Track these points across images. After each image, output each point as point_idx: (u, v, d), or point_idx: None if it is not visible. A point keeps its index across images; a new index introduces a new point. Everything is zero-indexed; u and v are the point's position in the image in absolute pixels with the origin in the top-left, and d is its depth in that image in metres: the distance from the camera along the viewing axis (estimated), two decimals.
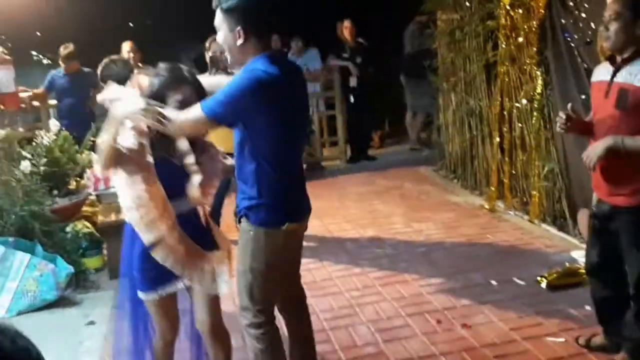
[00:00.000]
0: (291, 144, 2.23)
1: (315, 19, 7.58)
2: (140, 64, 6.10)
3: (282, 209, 2.23)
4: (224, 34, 2.13)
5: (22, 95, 5.90)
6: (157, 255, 2.17)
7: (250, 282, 2.28)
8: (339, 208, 5.46)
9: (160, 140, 2.17)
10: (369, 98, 7.16)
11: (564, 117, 2.55)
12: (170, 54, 9.55)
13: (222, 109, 2.05)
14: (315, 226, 5.04)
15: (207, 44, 4.56)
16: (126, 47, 6.01)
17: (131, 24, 8.72)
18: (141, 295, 2.33)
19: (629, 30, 2.33)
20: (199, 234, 2.30)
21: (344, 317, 3.35)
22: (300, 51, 7.03)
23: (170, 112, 2.10)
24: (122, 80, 3.65)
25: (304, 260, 4.18)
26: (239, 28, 2.08)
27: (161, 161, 2.17)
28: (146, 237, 2.16)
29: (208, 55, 4.55)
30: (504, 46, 4.48)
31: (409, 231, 4.67)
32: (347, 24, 7.05)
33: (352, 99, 7.15)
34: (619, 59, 2.41)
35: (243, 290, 2.31)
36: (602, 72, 2.52)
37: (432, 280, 3.72)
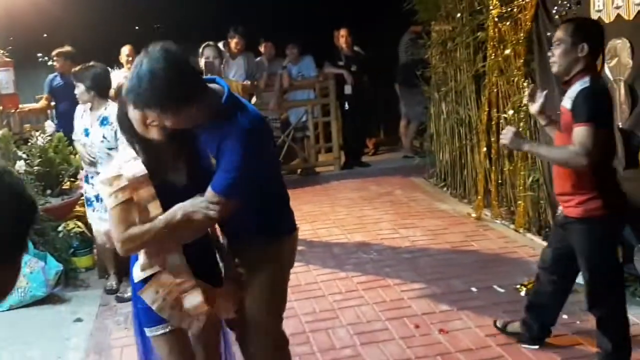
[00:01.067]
0: None
1: (312, 27, 7.69)
2: None
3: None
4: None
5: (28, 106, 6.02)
6: (146, 295, 2.02)
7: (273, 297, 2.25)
8: (329, 213, 5.53)
9: (160, 165, 2.02)
10: (364, 105, 7.25)
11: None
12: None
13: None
14: (305, 230, 5.10)
15: (200, 50, 4.64)
16: (125, 51, 6.11)
17: (137, 27, 8.82)
18: (147, 331, 2.11)
19: (569, 55, 2.47)
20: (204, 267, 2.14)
21: (324, 320, 3.42)
22: (296, 58, 7.13)
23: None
24: (99, 86, 3.78)
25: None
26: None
27: (162, 185, 2.02)
28: (136, 272, 2.06)
29: (202, 61, 4.62)
30: (492, 57, 4.56)
31: (395, 237, 4.74)
32: (343, 32, 7.15)
33: (347, 106, 7.25)
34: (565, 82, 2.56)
35: (264, 309, 2.20)
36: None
37: (414, 286, 3.79)
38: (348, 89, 7.15)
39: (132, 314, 2.31)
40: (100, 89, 3.80)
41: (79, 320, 3.64)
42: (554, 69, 2.58)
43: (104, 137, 3.73)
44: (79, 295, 4.00)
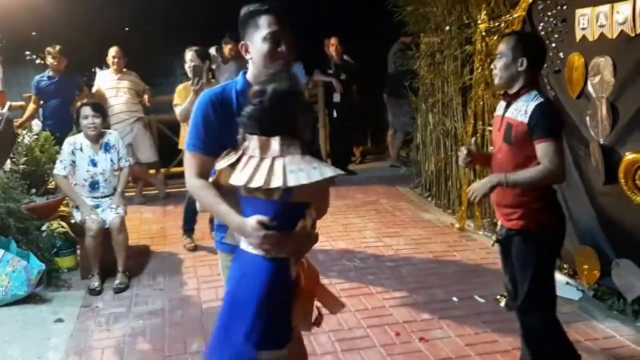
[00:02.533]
0: None
1: (302, 35, 7.71)
2: (124, 70, 6.21)
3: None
4: None
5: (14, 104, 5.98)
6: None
7: None
8: None
9: None
10: (352, 114, 7.31)
11: (465, 151, 2.70)
12: (165, 61, 9.66)
13: None
14: None
15: (185, 53, 4.65)
16: (112, 52, 6.09)
17: (127, 29, 8.80)
18: (263, 354, 1.87)
19: (510, 69, 2.52)
20: None
21: None
22: None
23: None
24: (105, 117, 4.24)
25: None
26: None
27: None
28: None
29: (187, 66, 4.63)
30: (479, 71, 4.63)
31: (379, 245, 4.78)
32: (333, 41, 7.21)
33: (335, 114, 7.29)
34: (510, 94, 2.59)
35: None
36: (499, 107, 2.69)
37: (396, 294, 3.82)
38: (337, 97, 7.21)
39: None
40: (104, 119, 4.43)
41: (59, 320, 3.62)
42: (495, 81, 2.63)
43: (111, 160, 4.29)
44: (61, 296, 3.98)
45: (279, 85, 1.87)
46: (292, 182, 1.76)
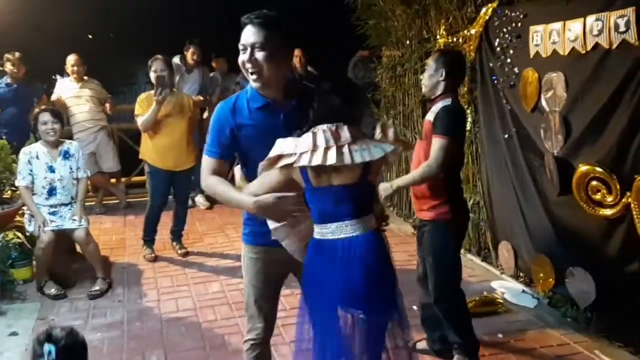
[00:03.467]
0: None
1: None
2: (85, 78, 6.11)
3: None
4: None
5: None
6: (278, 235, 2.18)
7: None
8: None
9: None
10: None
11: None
12: (128, 69, 9.54)
13: None
14: None
15: (149, 63, 4.62)
16: (71, 60, 6.00)
17: (90, 36, 8.66)
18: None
19: (433, 78, 2.95)
20: None
21: None
22: None
23: None
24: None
25: (236, 281, 4.32)
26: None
27: None
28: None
29: (152, 75, 4.60)
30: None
31: None
32: (297, 52, 7.22)
33: None
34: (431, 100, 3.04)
35: None
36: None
37: None
38: None
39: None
40: (63, 126, 4.43)
41: (14, 334, 3.52)
42: (423, 89, 3.06)
43: (70, 168, 4.26)
44: (16, 309, 3.88)
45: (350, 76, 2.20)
46: (376, 156, 2.00)
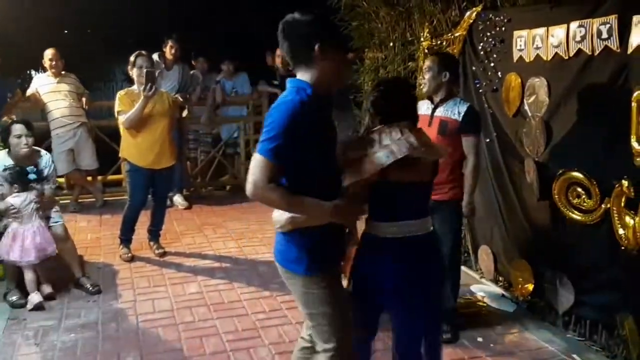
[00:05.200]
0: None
1: (247, 46, 7.72)
2: (63, 72, 6.00)
3: None
4: None
5: None
6: None
7: None
8: (256, 231, 5.51)
9: None
10: None
11: None
12: (106, 66, 9.41)
13: None
14: (231, 248, 5.08)
15: (132, 59, 4.54)
16: (48, 54, 5.88)
17: (66, 32, 8.54)
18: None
19: (436, 80, 3.31)
20: None
21: (246, 339, 3.40)
22: (230, 74, 7.11)
23: None
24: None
25: (214, 282, 4.27)
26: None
27: None
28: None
29: (134, 71, 4.52)
30: (421, 86, 4.71)
31: None
32: (279, 52, 7.20)
33: None
34: (435, 99, 3.35)
35: None
36: (423, 108, 3.36)
37: None
38: None
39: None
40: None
41: None
42: (425, 89, 3.39)
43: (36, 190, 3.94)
44: None
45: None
46: (443, 154, 2.42)
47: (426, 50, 4.57)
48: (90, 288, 4.08)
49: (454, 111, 3.27)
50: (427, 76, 3.33)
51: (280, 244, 2.22)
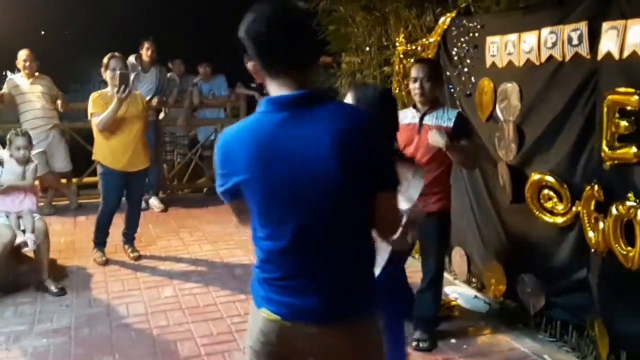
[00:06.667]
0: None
1: (226, 47, 7.69)
2: (37, 74, 5.92)
3: (261, 287, 1.68)
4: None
5: None
6: None
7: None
8: (233, 234, 5.50)
9: None
10: None
11: None
12: (82, 68, 9.29)
13: None
14: (206, 251, 5.05)
15: (105, 61, 4.51)
16: (22, 55, 5.81)
17: (43, 32, 8.43)
18: None
19: (437, 89, 3.38)
20: None
21: (221, 342, 3.39)
22: (208, 76, 7.09)
23: None
24: None
25: (190, 285, 4.25)
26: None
27: None
28: None
29: (108, 73, 4.49)
30: (397, 91, 4.77)
31: None
32: None
33: None
34: (422, 107, 3.32)
35: None
36: (409, 116, 3.34)
37: None
38: None
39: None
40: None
41: None
42: (421, 98, 3.29)
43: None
44: None
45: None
46: None
47: (401, 55, 4.62)
48: (54, 290, 4.05)
49: (443, 118, 3.27)
50: (427, 85, 3.25)
51: (363, 284, 1.66)
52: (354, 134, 1.50)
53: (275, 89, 1.56)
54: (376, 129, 1.56)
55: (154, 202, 6.37)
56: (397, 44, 4.70)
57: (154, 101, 4.97)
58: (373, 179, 1.54)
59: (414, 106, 3.37)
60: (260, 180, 1.55)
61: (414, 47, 4.50)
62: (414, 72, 3.31)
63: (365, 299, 1.64)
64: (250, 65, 1.59)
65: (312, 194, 1.52)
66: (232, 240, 5.30)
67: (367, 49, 5.32)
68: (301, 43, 1.56)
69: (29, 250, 4.10)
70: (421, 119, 3.31)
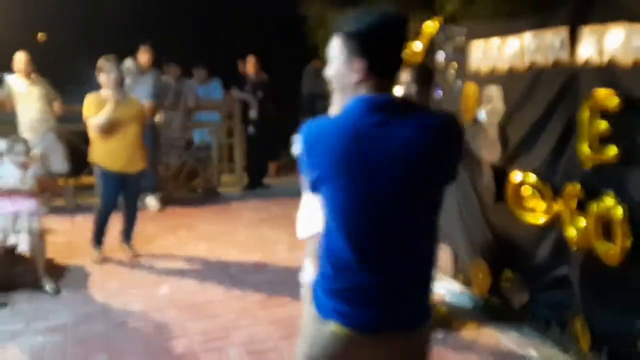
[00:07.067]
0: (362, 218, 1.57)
1: (221, 52, 7.80)
2: (33, 76, 5.99)
3: (330, 298, 1.63)
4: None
5: None
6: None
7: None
8: (228, 233, 5.59)
9: None
10: (268, 130, 7.41)
11: None
12: (80, 69, 9.31)
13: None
14: (202, 250, 5.14)
15: (99, 64, 4.58)
16: (19, 58, 5.87)
17: (40, 35, 8.45)
18: None
19: (423, 91, 3.37)
20: None
21: (216, 340, 3.45)
22: (203, 79, 7.17)
23: None
24: None
25: (186, 283, 4.34)
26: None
27: None
28: None
29: (102, 76, 4.56)
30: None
31: (292, 257, 4.87)
32: (251, 59, 7.31)
33: (250, 130, 7.39)
34: None
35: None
36: None
37: None
38: (253, 114, 7.31)
39: None
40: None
41: None
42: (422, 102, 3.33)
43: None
44: None
45: None
46: None
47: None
48: (50, 289, 4.13)
49: None
50: (412, 89, 3.35)
51: (429, 293, 1.69)
52: (446, 138, 1.56)
53: (368, 91, 1.57)
54: (463, 133, 1.66)
55: (150, 201, 6.45)
56: None
57: (147, 105, 5.05)
58: (450, 182, 1.63)
59: None
60: (347, 180, 1.53)
61: None
62: (402, 77, 3.39)
63: (429, 308, 1.68)
64: (341, 65, 1.57)
65: (402, 196, 1.53)
66: (228, 239, 5.39)
67: None
68: (403, 51, 1.61)
69: (23, 251, 4.13)
70: None
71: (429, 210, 1.60)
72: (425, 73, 3.49)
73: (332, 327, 1.60)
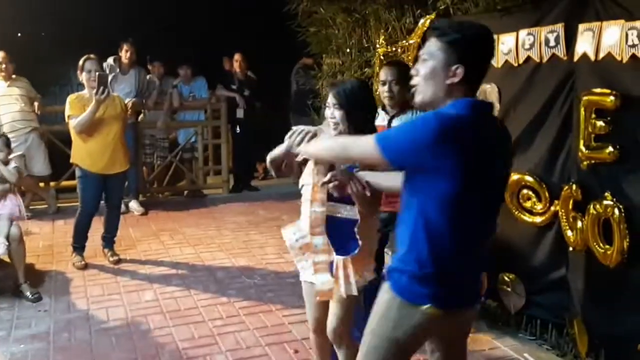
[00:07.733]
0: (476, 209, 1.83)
1: (206, 49, 7.68)
2: (13, 76, 5.84)
3: (428, 284, 1.82)
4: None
5: None
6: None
7: (368, 345, 1.93)
8: (214, 237, 5.47)
9: None
10: (255, 130, 7.30)
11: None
12: (60, 70, 9.17)
13: (397, 147, 1.82)
14: (187, 254, 5.02)
15: (80, 63, 4.47)
16: None
17: (19, 34, 8.32)
18: None
19: (405, 90, 3.08)
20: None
21: (203, 346, 3.36)
22: (188, 78, 7.05)
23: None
24: None
25: (170, 289, 4.22)
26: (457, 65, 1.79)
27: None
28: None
29: (84, 75, 4.46)
30: (377, 92, 4.77)
31: (280, 262, 4.78)
32: (237, 57, 7.19)
33: (238, 130, 7.26)
34: (392, 110, 3.29)
35: (363, 348, 1.96)
36: (379, 118, 3.21)
37: (296, 311, 3.81)
38: (240, 113, 7.19)
39: None
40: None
41: None
42: (392, 102, 3.29)
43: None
44: None
45: None
46: None
47: (382, 57, 4.63)
48: (30, 296, 4.00)
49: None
50: (395, 88, 3.24)
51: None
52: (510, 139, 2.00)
53: (461, 94, 1.82)
54: None
55: (133, 205, 6.31)
56: (378, 45, 4.71)
57: (129, 103, 4.94)
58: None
59: (383, 108, 3.34)
60: (471, 175, 1.75)
61: (394, 49, 4.51)
62: (382, 75, 3.32)
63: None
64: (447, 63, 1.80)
65: (502, 189, 1.99)
66: (214, 243, 5.27)
67: (348, 50, 5.33)
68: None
69: (0, 255, 4.02)
70: (390, 121, 3.29)
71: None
72: (407, 71, 3.37)
73: (425, 309, 1.81)
